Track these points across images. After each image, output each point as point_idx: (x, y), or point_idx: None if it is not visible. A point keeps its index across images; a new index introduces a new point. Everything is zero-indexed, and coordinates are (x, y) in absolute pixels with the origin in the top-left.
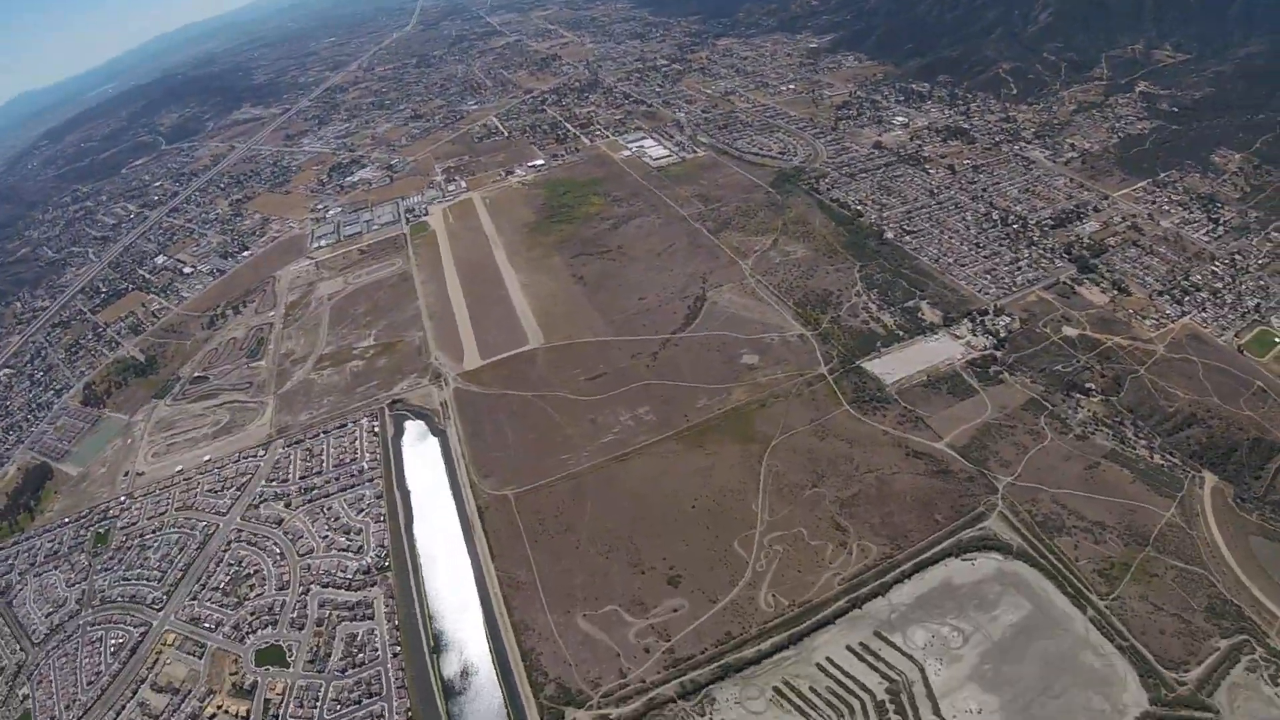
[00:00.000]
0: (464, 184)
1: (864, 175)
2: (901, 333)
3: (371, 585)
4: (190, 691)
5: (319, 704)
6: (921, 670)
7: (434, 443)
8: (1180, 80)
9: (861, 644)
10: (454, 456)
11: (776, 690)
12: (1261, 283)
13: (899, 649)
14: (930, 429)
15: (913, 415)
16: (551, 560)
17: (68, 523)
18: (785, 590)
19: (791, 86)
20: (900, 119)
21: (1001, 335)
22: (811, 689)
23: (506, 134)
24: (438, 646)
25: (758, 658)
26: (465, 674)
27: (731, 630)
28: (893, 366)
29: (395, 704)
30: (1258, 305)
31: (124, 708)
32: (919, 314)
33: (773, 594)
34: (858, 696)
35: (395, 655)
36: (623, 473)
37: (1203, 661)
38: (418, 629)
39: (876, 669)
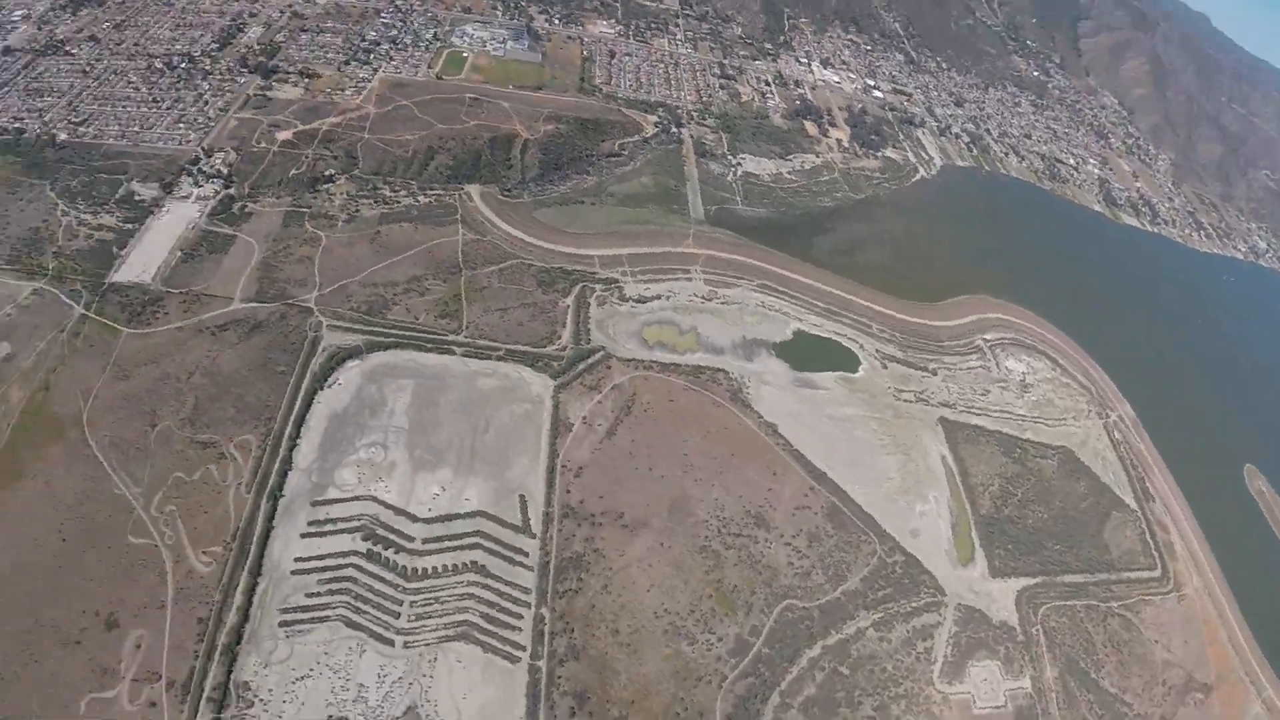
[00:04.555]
0: None
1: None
2: (132, 225)
3: None
4: None
5: None
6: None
7: None
8: None
9: (311, 523)
10: None
11: None
12: (432, 17)
13: (344, 507)
14: (218, 297)
15: (193, 295)
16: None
17: None
18: (199, 537)
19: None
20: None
21: (227, 173)
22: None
23: None
24: None
25: None
26: None
27: None
28: (139, 260)
29: None
30: (434, 34)
31: None
32: (136, 197)
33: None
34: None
35: None
36: None
37: (565, 323)
38: None
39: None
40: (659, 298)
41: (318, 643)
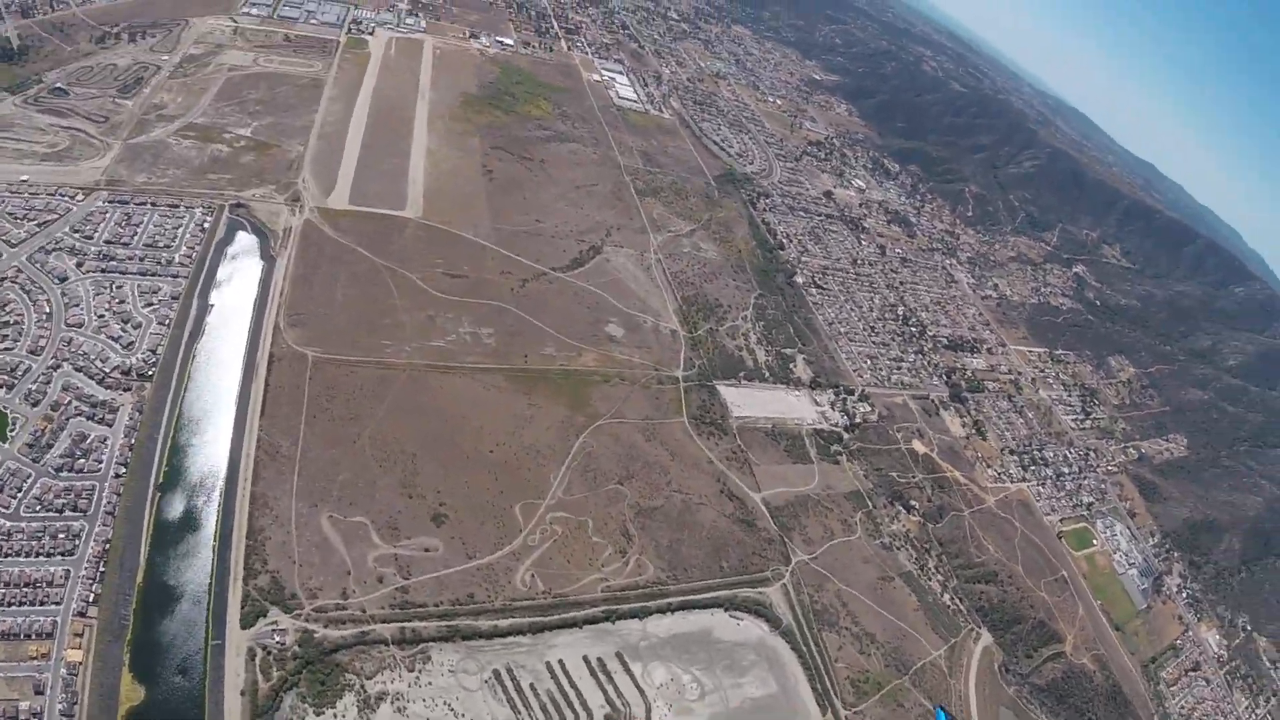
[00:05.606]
0: (423, 23)
1: (803, 214)
2: (767, 373)
3: (125, 390)
4: None
5: (19, 496)
6: (648, 709)
7: (258, 266)
8: (1114, 281)
9: (600, 660)
10: (271, 290)
11: (496, 674)
12: (1101, 486)
13: (635, 679)
14: (753, 477)
15: (742, 456)
16: (322, 444)
17: None
18: (548, 575)
19: (778, 101)
20: (859, 182)
21: (856, 420)
22: (532, 686)
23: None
24: (167, 483)
25: (491, 633)
26: (182, 526)
27: (477, 595)
28: (745, 401)
29: (95, 530)
30: (1090, 504)
31: None
32: (791, 365)
33: (534, 573)
34: (575, 712)
35: (118, 476)
36: (437, 385)
37: None
38: (153, 457)
39: (605, 690)
40: None
41: None
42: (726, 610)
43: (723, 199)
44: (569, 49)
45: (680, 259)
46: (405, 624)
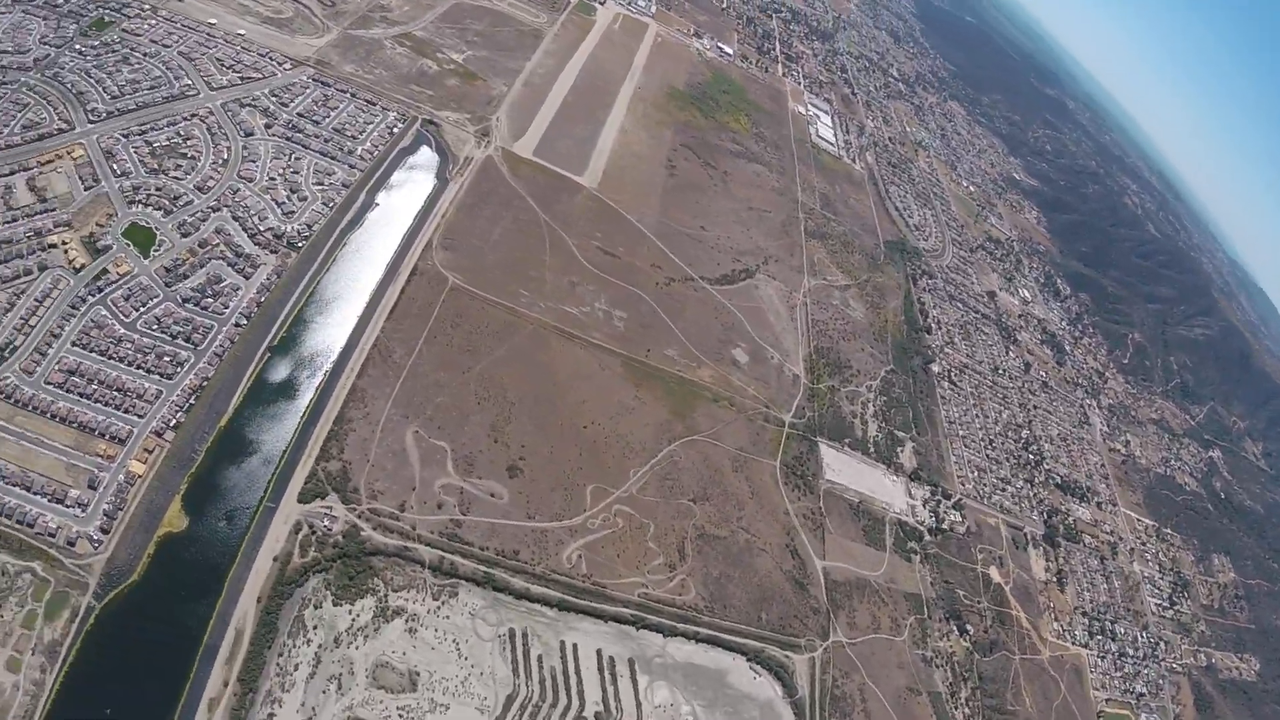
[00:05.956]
0: (653, 9)
1: (960, 305)
2: (872, 449)
3: (271, 252)
4: (55, 210)
5: (141, 311)
6: (640, 718)
7: (430, 184)
8: (1246, 479)
9: (612, 659)
10: (435, 209)
11: (511, 634)
12: (1160, 679)
13: (637, 690)
14: (822, 543)
15: (819, 519)
16: (432, 365)
17: None
18: (594, 562)
19: (971, 187)
20: (1026, 293)
21: (943, 525)
22: (540, 658)
23: (726, 4)
24: (279, 348)
25: (522, 594)
26: (279, 390)
27: (526, 555)
28: (842, 468)
29: (199, 365)
30: (1141, 695)
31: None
32: (899, 449)
33: (582, 555)
34: (569, 697)
35: (238, 325)
36: (557, 349)
37: None
38: (276, 319)
39: (605, 689)
40: None
41: None
42: (749, 660)
43: (886, 265)
44: (783, 74)
45: (826, 309)
46: (447, 554)
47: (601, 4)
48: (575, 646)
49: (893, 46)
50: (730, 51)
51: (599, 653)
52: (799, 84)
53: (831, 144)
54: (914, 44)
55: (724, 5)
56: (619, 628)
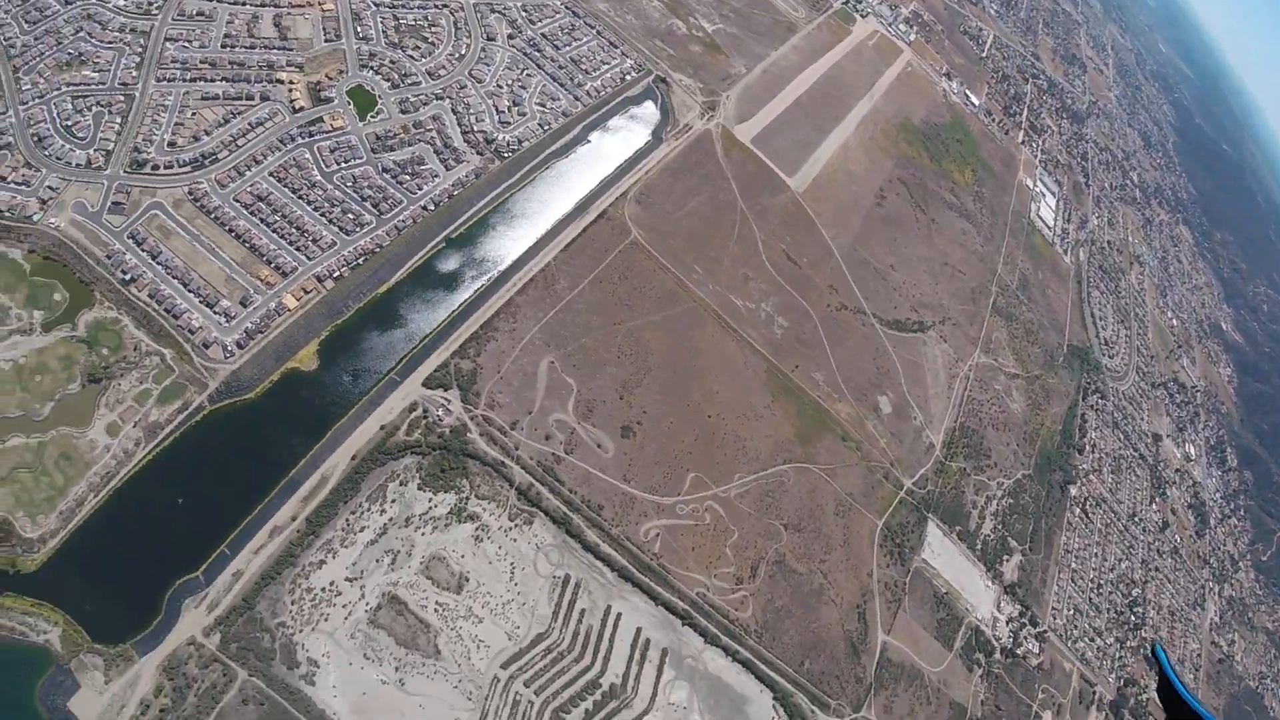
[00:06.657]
0: (912, 37)
1: (1122, 436)
2: (980, 546)
3: (478, 153)
4: (292, 50)
5: (343, 166)
6: (647, 711)
7: (643, 138)
8: None
9: (648, 641)
10: (641, 164)
11: (565, 580)
12: None
13: (658, 679)
14: (892, 618)
15: (898, 593)
16: (589, 306)
17: None
18: (667, 545)
19: (1174, 320)
20: (1191, 449)
21: (1016, 649)
22: (583, 612)
23: (986, 54)
24: (455, 242)
25: (590, 548)
26: (441, 280)
27: (608, 514)
28: (942, 553)
29: (378, 232)
30: None
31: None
32: (1005, 557)
33: (659, 534)
34: (594, 659)
35: (425, 209)
36: (711, 335)
37: None
38: (460, 215)
39: (630, 667)
40: None
41: None
42: (775, 698)
43: (1062, 368)
44: (1022, 142)
45: (987, 390)
46: (537, 483)
47: (863, 16)
48: (619, 616)
49: (1141, 150)
50: (976, 103)
51: (638, 631)
52: (1034, 156)
53: (1049, 228)
54: (1163, 155)
55: (984, 55)
56: (666, 615)
